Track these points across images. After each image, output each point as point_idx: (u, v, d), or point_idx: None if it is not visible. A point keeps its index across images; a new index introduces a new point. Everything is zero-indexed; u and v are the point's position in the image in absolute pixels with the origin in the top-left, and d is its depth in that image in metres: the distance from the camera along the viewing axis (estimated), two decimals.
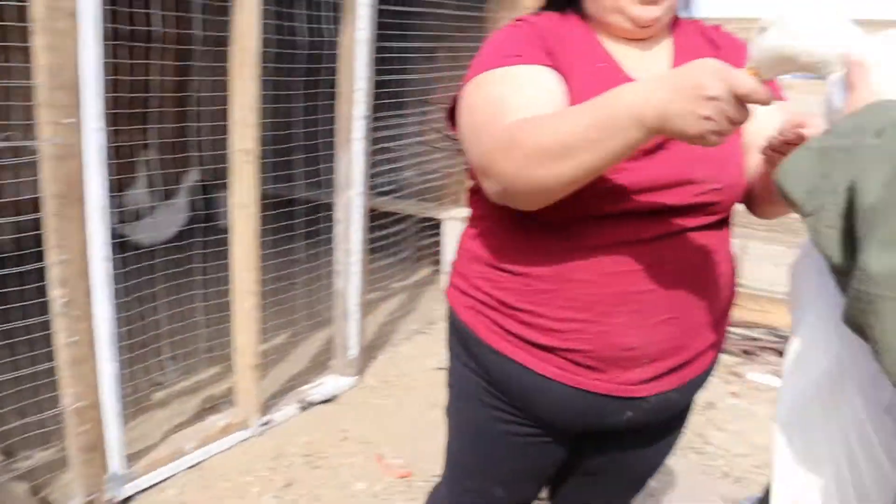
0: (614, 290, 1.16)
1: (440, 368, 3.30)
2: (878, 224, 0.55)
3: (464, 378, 1.38)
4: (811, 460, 0.69)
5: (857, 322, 0.57)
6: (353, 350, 3.10)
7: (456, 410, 1.44)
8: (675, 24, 1.31)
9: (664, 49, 1.28)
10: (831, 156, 0.66)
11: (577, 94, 1.17)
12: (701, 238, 1.19)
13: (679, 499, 2.39)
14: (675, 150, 1.13)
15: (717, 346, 1.28)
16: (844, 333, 0.66)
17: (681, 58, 1.25)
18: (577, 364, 1.20)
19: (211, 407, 2.72)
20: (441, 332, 3.66)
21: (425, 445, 2.68)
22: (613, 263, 1.16)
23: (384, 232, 3.62)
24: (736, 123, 0.89)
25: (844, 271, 0.61)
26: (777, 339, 3.70)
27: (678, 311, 1.18)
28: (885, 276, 0.53)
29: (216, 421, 2.57)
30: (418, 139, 3.93)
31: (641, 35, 1.25)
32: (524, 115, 1.10)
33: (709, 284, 1.22)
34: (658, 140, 1.12)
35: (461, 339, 1.36)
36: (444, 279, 4.14)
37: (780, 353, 3.57)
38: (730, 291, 1.29)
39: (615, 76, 1.20)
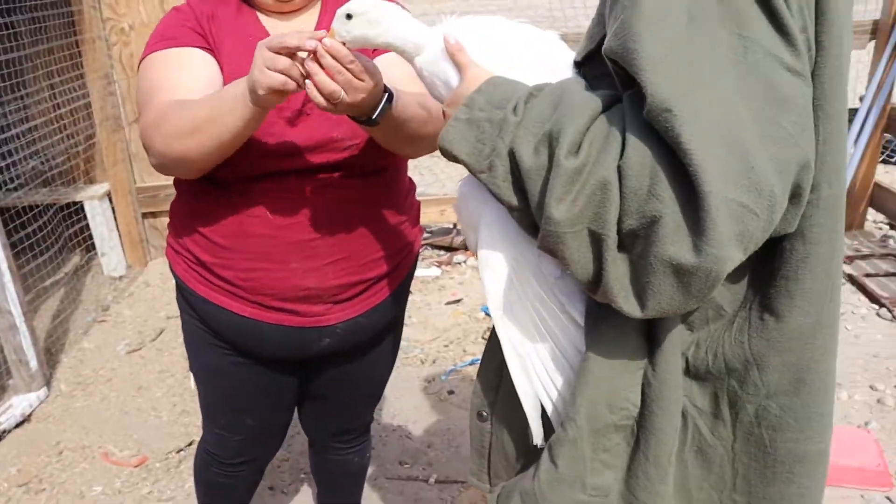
0: (285, 241, 1.39)
1: (132, 350, 3.23)
2: (546, 183, 0.80)
3: (189, 326, 1.57)
4: (521, 330, 0.96)
5: (550, 249, 0.83)
6: (33, 362, 2.88)
7: (192, 358, 1.63)
8: None
9: (312, 16, 1.46)
10: (479, 126, 0.86)
11: (229, 70, 1.37)
12: (358, 188, 1.42)
13: (392, 390, 2.76)
14: (317, 115, 1.35)
15: (396, 273, 1.53)
16: (512, 242, 0.94)
17: (322, 24, 1.44)
18: (268, 306, 1.44)
19: None
20: (118, 314, 3.55)
21: (147, 428, 2.69)
22: (281, 217, 1.38)
23: (27, 230, 3.32)
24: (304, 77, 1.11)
25: (519, 209, 0.86)
26: (429, 235, 4.26)
27: (346, 251, 1.43)
28: (562, 220, 0.78)
29: None
30: (30, 124, 3.59)
31: (288, 8, 1.44)
32: (175, 95, 1.31)
33: (372, 225, 1.46)
34: (300, 107, 1.35)
35: (181, 292, 1.55)
36: (104, 261, 3.93)
37: (437, 247, 4.14)
38: (402, 226, 1.53)
39: None
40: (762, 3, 0.73)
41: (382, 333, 1.63)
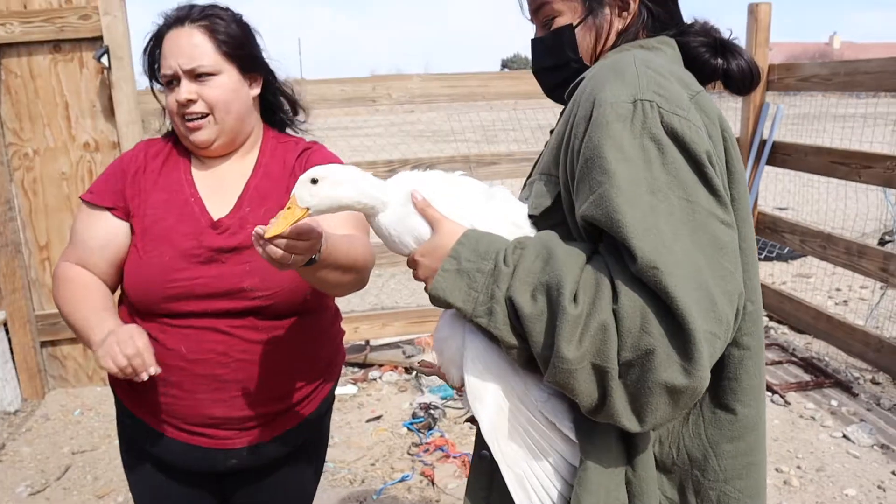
0: (195, 374, 1.50)
1: (35, 492, 3.01)
2: (549, 326, 0.91)
3: (123, 436, 1.66)
4: (515, 452, 1.03)
5: (561, 383, 0.90)
6: None
7: (123, 464, 1.70)
8: (268, 138, 1.62)
9: (247, 166, 1.58)
10: (470, 276, 0.97)
11: (151, 220, 1.51)
12: (268, 330, 1.52)
13: None
14: (231, 265, 1.49)
15: (309, 401, 1.62)
16: (497, 374, 1.03)
17: (255, 179, 1.56)
18: (180, 427, 1.54)
19: None
20: (15, 452, 3.33)
21: None
22: (193, 353, 1.49)
23: None
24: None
25: (517, 348, 0.95)
26: None
27: (253, 386, 1.53)
28: (573, 358, 0.87)
29: None
30: None
31: (211, 154, 1.56)
32: (79, 246, 1.54)
33: (284, 363, 1.55)
34: (212, 255, 1.48)
35: (116, 404, 1.65)
36: None
37: (351, 364, 4.14)
38: (318, 359, 1.61)
39: (184, 204, 1.52)
40: (699, 173, 0.93)
41: (300, 451, 1.68)
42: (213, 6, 1.53)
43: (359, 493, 2.91)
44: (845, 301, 5.16)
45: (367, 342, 4.25)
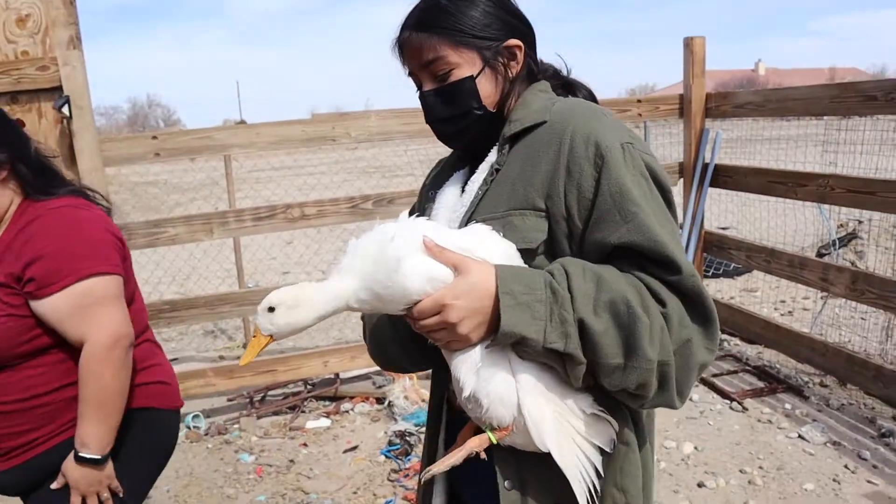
0: None
1: None
2: (618, 337, 1.02)
3: None
4: (574, 463, 1.11)
5: (641, 382, 1.03)
6: None
7: None
8: (20, 209, 1.76)
9: None
10: (531, 307, 1.03)
11: None
12: None
13: None
14: None
15: (25, 450, 1.73)
16: (550, 398, 1.09)
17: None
18: None
19: None
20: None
21: None
22: None
23: None
24: None
25: (583, 363, 1.04)
26: (311, 387, 4.30)
27: None
28: (654, 358, 1.02)
29: None
30: None
31: None
32: None
33: None
34: None
35: None
36: None
37: (323, 399, 4.18)
38: (26, 412, 1.71)
39: None
40: (666, 200, 1.15)
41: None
42: None
43: None
44: (790, 312, 5.43)
45: (337, 375, 4.30)
